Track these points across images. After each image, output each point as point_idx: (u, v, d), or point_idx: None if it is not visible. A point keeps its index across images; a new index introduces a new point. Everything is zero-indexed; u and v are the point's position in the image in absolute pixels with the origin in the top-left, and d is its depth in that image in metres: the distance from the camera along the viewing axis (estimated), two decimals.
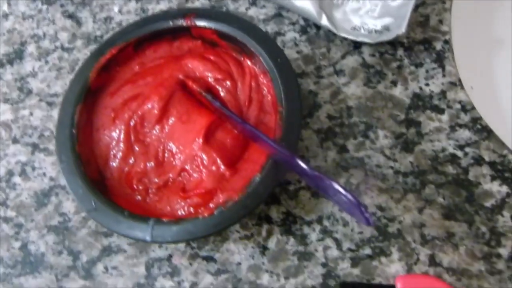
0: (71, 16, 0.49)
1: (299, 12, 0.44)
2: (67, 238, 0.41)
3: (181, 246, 0.40)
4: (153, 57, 0.41)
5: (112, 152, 0.39)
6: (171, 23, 0.40)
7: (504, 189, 0.38)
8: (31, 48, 0.48)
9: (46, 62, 0.48)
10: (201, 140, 0.37)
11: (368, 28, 0.42)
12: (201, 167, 0.37)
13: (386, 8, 0.42)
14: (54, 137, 0.44)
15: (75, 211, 0.42)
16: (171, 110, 0.39)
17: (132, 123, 0.39)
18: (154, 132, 0.39)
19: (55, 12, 0.50)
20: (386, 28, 0.42)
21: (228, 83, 0.39)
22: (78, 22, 0.49)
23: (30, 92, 0.47)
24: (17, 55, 0.48)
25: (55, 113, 0.45)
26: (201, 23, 0.39)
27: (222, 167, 0.36)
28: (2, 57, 0.48)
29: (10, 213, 0.43)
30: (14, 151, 0.45)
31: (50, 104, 0.46)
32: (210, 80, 0.40)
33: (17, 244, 0.42)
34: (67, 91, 0.39)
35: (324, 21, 0.43)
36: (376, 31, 0.42)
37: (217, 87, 0.39)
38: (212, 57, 0.40)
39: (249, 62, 0.40)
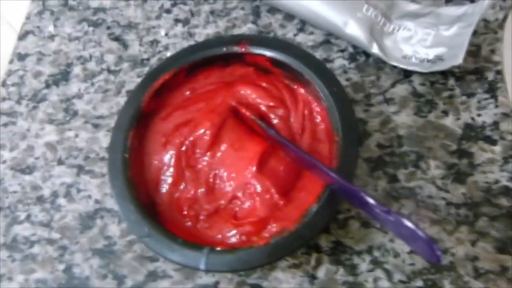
0: (117, 39, 0.50)
1: (349, 39, 0.44)
2: (112, 262, 0.41)
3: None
4: (205, 83, 0.41)
5: (162, 177, 0.39)
6: (224, 49, 0.40)
7: None
8: (77, 69, 0.49)
9: (92, 84, 0.48)
10: (254, 168, 0.37)
11: (420, 57, 0.42)
12: (254, 195, 0.37)
13: (439, 38, 0.42)
14: (99, 159, 0.44)
15: (120, 234, 0.42)
16: (223, 137, 0.39)
17: (183, 149, 0.39)
18: (206, 158, 0.39)
19: (101, 35, 0.50)
20: (439, 58, 0.42)
21: (281, 110, 0.39)
22: (125, 45, 0.49)
23: (75, 113, 0.47)
24: (63, 77, 0.49)
25: (101, 135, 0.46)
26: (255, 50, 0.39)
27: (276, 195, 0.36)
28: (48, 78, 0.49)
29: (55, 235, 0.43)
30: (59, 172, 0.45)
31: (95, 126, 0.46)
32: (263, 107, 0.40)
33: (61, 267, 0.42)
34: (120, 115, 0.39)
35: (374, 49, 0.43)
36: (428, 61, 0.42)
37: (270, 114, 0.39)
38: (264, 84, 0.40)
39: (302, 90, 0.40)
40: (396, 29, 0.44)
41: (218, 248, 0.34)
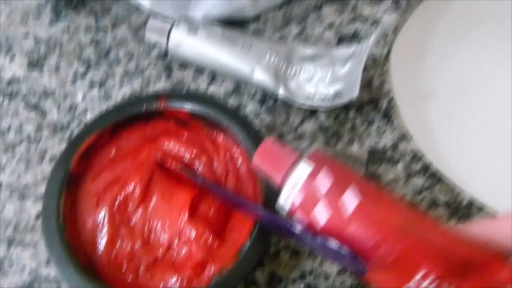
0: (34, 107, 0.51)
1: (257, 85, 0.48)
2: None
3: None
4: (129, 141, 0.43)
5: (98, 237, 0.40)
6: (144, 107, 0.43)
7: None
8: None
9: (13, 154, 0.48)
10: (186, 215, 0.39)
11: (322, 94, 0.47)
12: (189, 240, 0.39)
13: (335, 76, 0.47)
14: (30, 228, 0.45)
15: None
16: (153, 190, 0.41)
17: (115, 206, 0.41)
18: (138, 212, 0.40)
19: (17, 105, 0.51)
20: (338, 93, 0.46)
21: (204, 158, 0.42)
22: (43, 112, 0.50)
23: (0, 186, 0.47)
24: None
25: (28, 204, 0.46)
26: (174, 105, 0.42)
27: (210, 238, 0.39)
28: None
29: None
30: None
31: (22, 196, 0.46)
32: (187, 157, 0.42)
33: None
34: (49, 182, 0.40)
35: (281, 92, 0.47)
36: (329, 97, 0.47)
37: (194, 163, 0.42)
38: (185, 135, 0.43)
39: (221, 137, 0.43)
40: (298, 71, 0.48)
41: None
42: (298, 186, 0.32)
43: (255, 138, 0.41)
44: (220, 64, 0.48)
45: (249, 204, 0.37)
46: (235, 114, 0.42)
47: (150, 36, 0.50)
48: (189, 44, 0.49)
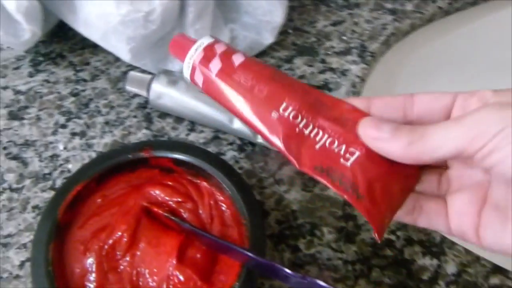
0: (15, 158, 0.51)
1: (236, 134, 0.51)
2: None
3: None
4: (115, 189, 0.44)
5: (87, 283, 0.40)
6: (130, 156, 0.44)
7: (435, 262, 0.45)
8: None
9: None
10: (174, 260, 0.40)
11: None
12: (178, 285, 0.40)
13: None
14: (13, 278, 0.45)
15: None
16: (140, 236, 0.42)
17: (103, 253, 0.41)
18: (126, 259, 0.41)
19: None
20: None
21: (189, 204, 0.44)
22: (24, 162, 0.51)
23: None
24: None
25: (11, 253, 0.46)
26: (159, 153, 0.44)
27: (198, 282, 0.40)
28: None
29: None
30: None
31: (5, 245, 0.46)
32: (172, 203, 0.44)
33: None
34: (37, 231, 0.41)
35: (259, 139, 0.49)
36: None
37: (180, 209, 0.44)
38: (170, 183, 0.45)
39: (205, 183, 0.44)
40: None
41: None
42: (200, 49, 0.40)
43: (238, 184, 0.42)
44: (200, 115, 0.51)
45: (236, 247, 0.38)
46: (218, 161, 0.44)
47: (131, 88, 0.52)
48: (169, 95, 0.51)
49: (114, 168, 0.44)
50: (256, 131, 0.38)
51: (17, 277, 0.45)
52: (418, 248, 0.45)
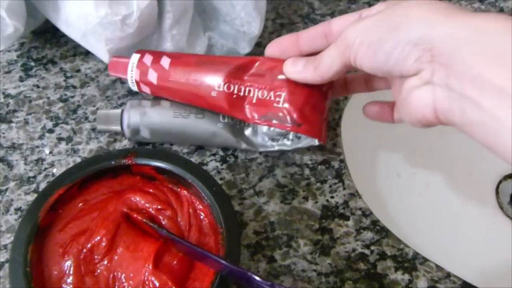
0: (1, 160, 0.52)
1: (220, 145, 0.52)
2: None
3: None
4: (96, 194, 0.45)
5: (63, 286, 0.41)
6: (113, 162, 0.45)
7: (406, 277, 0.46)
8: None
9: None
10: (150, 266, 0.41)
11: (281, 140, 0.51)
12: None
13: None
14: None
15: None
16: (119, 241, 0.43)
17: (81, 257, 0.42)
18: (104, 263, 0.42)
19: None
20: (297, 137, 0.50)
21: (168, 212, 0.45)
22: (9, 165, 0.52)
23: None
24: None
25: None
26: (141, 161, 0.45)
27: None
28: None
29: None
30: None
31: None
32: (152, 210, 0.45)
33: None
34: (17, 232, 0.41)
35: (243, 146, 0.51)
36: (289, 140, 0.51)
37: (159, 216, 0.44)
38: (151, 190, 0.45)
39: (185, 192, 0.45)
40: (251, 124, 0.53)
41: None
42: (134, 67, 0.50)
43: (217, 194, 0.43)
44: (181, 137, 0.52)
45: (211, 255, 0.39)
46: (198, 171, 0.45)
47: (102, 127, 0.53)
48: (145, 128, 0.51)
49: (96, 173, 0.45)
50: (209, 109, 0.49)
51: None
52: (390, 262, 0.47)
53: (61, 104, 0.56)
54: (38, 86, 0.58)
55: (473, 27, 0.32)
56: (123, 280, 0.42)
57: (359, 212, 0.49)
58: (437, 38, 0.33)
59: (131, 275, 0.41)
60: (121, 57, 0.52)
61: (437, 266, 0.46)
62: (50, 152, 0.53)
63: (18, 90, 0.58)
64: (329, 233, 0.48)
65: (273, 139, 0.51)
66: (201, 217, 0.45)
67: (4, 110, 0.56)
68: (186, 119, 0.51)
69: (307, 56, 0.45)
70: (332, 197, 0.50)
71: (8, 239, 0.48)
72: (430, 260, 0.47)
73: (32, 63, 0.60)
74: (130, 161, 0.45)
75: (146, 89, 0.51)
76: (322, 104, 0.48)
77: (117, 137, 0.54)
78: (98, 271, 0.42)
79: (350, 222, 0.49)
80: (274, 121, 0.47)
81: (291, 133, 0.51)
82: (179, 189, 0.46)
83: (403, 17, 0.35)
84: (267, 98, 0.47)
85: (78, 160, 0.52)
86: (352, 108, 0.56)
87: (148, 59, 0.50)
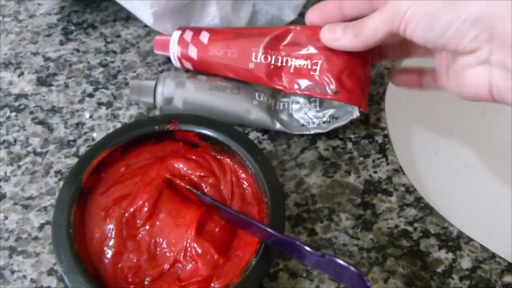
0: (41, 123, 0.52)
1: (255, 125, 0.51)
2: None
3: None
4: (139, 159, 0.45)
5: (105, 248, 0.41)
6: (156, 127, 0.44)
7: (450, 256, 0.45)
8: (1, 153, 0.50)
9: (19, 166, 0.49)
10: (193, 232, 0.41)
11: (316, 122, 0.50)
12: (195, 257, 0.40)
13: (325, 102, 0.51)
14: (32, 239, 0.45)
15: None
16: (161, 207, 0.42)
17: (123, 221, 0.42)
18: (146, 228, 0.42)
19: (24, 119, 0.52)
20: (333, 117, 0.50)
21: (211, 179, 0.44)
22: (50, 128, 0.52)
23: (3, 196, 0.48)
24: None
25: (31, 215, 0.47)
26: (185, 127, 0.44)
27: (216, 255, 0.40)
28: None
29: None
30: None
31: (25, 207, 0.47)
32: (194, 177, 0.44)
33: None
34: (60, 193, 0.41)
35: (277, 126, 0.50)
36: (324, 122, 0.50)
37: (201, 183, 0.44)
38: (194, 157, 0.45)
39: (228, 160, 0.45)
40: (287, 105, 0.52)
41: None
42: (175, 44, 0.52)
43: (261, 163, 0.43)
44: (215, 112, 0.50)
45: (257, 223, 0.39)
46: (243, 139, 0.44)
47: (135, 97, 0.51)
48: (179, 98, 0.50)
49: (139, 138, 0.45)
50: (248, 80, 0.50)
51: (36, 238, 0.46)
52: (434, 240, 0.46)
53: (101, 69, 0.56)
54: (78, 50, 0.58)
55: None
56: (165, 246, 0.41)
57: (403, 188, 0.48)
58: (498, 17, 0.32)
59: (173, 241, 0.41)
60: (163, 35, 0.54)
61: (482, 246, 0.45)
62: (90, 117, 0.53)
63: (58, 53, 0.57)
64: (371, 208, 0.47)
65: (308, 123, 0.51)
66: (244, 186, 0.44)
67: (44, 73, 0.56)
68: (222, 93, 0.50)
69: (346, 22, 0.43)
70: (375, 172, 0.49)
71: (48, 201, 0.48)
72: (475, 240, 0.46)
73: (72, 27, 0.60)
74: (173, 127, 0.44)
75: (188, 65, 0.52)
76: (362, 71, 0.46)
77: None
78: (140, 235, 0.42)
79: (393, 198, 0.48)
80: (312, 90, 0.46)
81: (327, 115, 0.50)
82: (222, 157, 0.45)
83: None
84: (304, 67, 0.46)
85: (118, 125, 0.52)
86: None
87: (188, 35, 0.51)
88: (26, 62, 0.57)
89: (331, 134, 0.51)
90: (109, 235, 0.42)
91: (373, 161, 0.50)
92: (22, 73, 0.56)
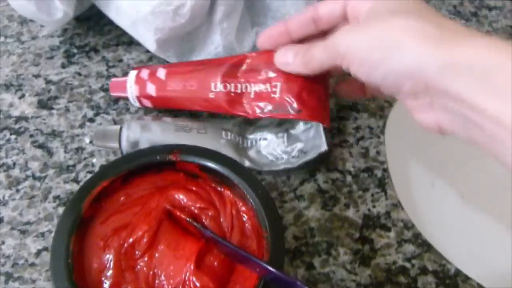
0: (41, 146, 0.52)
1: None
2: None
3: None
4: (139, 189, 0.45)
5: (103, 279, 0.41)
6: (158, 157, 0.44)
7: None
8: (0, 177, 0.50)
9: (17, 190, 0.49)
10: (192, 266, 0.40)
11: (285, 157, 0.50)
12: None
13: (291, 137, 0.51)
14: (29, 265, 0.45)
15: None
16: (160, 238, 0.42)
17: (122, 251, 0.42)
18: (144, 259, 0.42)
19: (24, 142, 0.52)
20: (302, 152, 0.50)
21: (211, 211, 0.44)
22: (49, 152, 0.52)
23: (1, 220, 0.48)
24: None
25: (29, 241, 0.47)
26: (186, 158, 0.44)
27: None
28: None
29: None
30: None
31: (23, 232, 0.47)
32: (194, 209, 0.44)
33: None
34: (59, 223, 0.41)
35: (247, 164, 0.50)
36: (293, 157, 0.50)
37: (201, 215, 0.44)
38: (194, 188, 0.45)
39: (228, 192, 0.45)
40: (254, 142, 0.52)
41: None
42: (133, 83, 0.52)
43: (262, 196, 0.43)
44: None
45: (257, 260, 0.38)
46: (244, 172, 0.44)
47: (100, 143, 0.50)
48: (145, 141, 0.49)
49: (141, 168, 0.45)
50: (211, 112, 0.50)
51: (32, 265, 0.46)
52: (431, 278, 0.46)
53: (102, 94, 0.56)
54: (80, 74, 0.58)
55: (466, 57, 0.31)
56: (163, 278, 0.41)
57: (401, 224, 0.49)
58: (430, 72, 0.33)
59: (172, 273, 0.41)
60: (118, 78, 0.55)
61: (479, 285, 0.45)
62: (90, 142, 0.52)
63: (60, 76, 0.57)
64: (369, 243, 0.47)
65: (277, 159, 0.51)
66: (244, 219, 0.44)
67: (45, 96, 0.56)
68: (188, 133, 0.50)
69: (298, 44, 0.45)
70: (374, 206, 0.49)
71: (45, 227, 0.47)
72: (472, 279, 0.46)
73: (75, 50, 0.60)
74: (175, 158, 0.44)
75: (147, 103, 0.53)
76: (320, 89, 0.48)
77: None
78: (138, 267, 0.42)
79: (392, 234, 0.48)
80: (274, 112, 0.46)
81: (295, 150, 0.50)
82: (222, 189, 0.45)
83: (394, 41, 0.34)
84: (264, 90, 0.47)
85: (118, 153, 0.52)
86: (397, 114, 0.55)
87: (145, 73, 0.52)
88: (28, 84, 0.57)
89: (330, 167, 0.52)
90: (108, 265, 0.41)
91: (372, 195, 0.50)
92: (23, 95, 0.56)
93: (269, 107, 0.47)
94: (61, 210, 0.48)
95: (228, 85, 0.48)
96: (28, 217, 0.48)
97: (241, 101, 0.48)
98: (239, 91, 0.48)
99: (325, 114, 0.47)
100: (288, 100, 0.46)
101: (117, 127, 0.50)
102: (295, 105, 0.46)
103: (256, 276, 0.39)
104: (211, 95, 0.48)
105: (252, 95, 0.47)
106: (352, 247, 0.47)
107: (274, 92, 0.46)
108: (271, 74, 0.47)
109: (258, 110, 0.47)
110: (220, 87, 0.48)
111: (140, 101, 0.53)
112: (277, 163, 0.50)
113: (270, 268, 0.37)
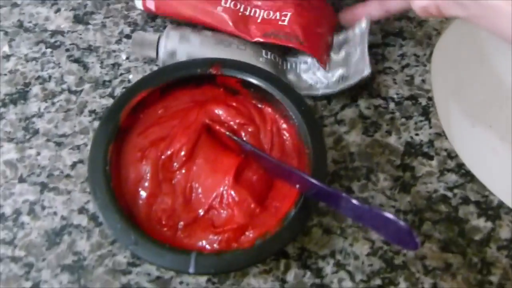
0: (77, 61, 0.51)
1: None
2: (83, 276, 0.41)
3: (202, 281, 0.41)
4: (177, 102, 0.44)
5: (140, 189, 0.40)
6: (199, 70, 0.43)
7: (489, 224, 0.44)
8: (35, 89, 0.49)
9: (53, 103, 0.48)
10: (231, 179, 0.40)
11: (324, 82, 0.49)
12: (231, 204, 0.39)
13: (332, 62, 0.49)
14: (64, 176, 0.45)
15: (90, 249, 0.42)
16: (198, 152, 0.41)
17: (160, 163, 0.41)
18: (182, 172, 0.41)
19: (60, 56, 0.51)
20: (342, 77, 0.48)
21: (251, 128, 0.43)
22: (85, 67, 0.51)
23: (36, 132, 0.47)
24: (21, 96, 0.49)
25: (64, 153, 0.46)
26: (227, 72, 0.43)
27: (252, 204, 0.39)
28: (4, 97, 0.49)
29: (19, 253, 0.42)
30: (21, 190, 0.44)
31: (58, 144, 0.47)
32: (234, 125, 0.43)
33: (28, 284, 0.41)
34: (97, 131, 0.40)
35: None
36: (332, 83, 0.48)
37: (241, 131, 0.43)
38: (234, 104, 0.44)
39: (269, 109, 0.44)
40: (294, 64, 0.50)
41: (205, 252, 0.36)
42: None
43: (306, 114, 0.41)
44: None
45: (303, 173, 0.37)
46: (287, 89, 0.43)
47: (138, 50, 0.49)
48: (183, 52, 0.48)
49: (180, 80, 0.43)
50: (212, 27, 0.48)
51: (67, 176, 0.45)
52: (473, 208, 0.44)
53: (139, 11, 0.54)
54: None
55: None
56: (200, 191, 0.40)
57: (444, 153, 0.47)
58: None
59: (209, 187, 0.40)
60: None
61: None
62: (127, 58, 0.51)
63: None
64: (410, 170, 0.46)
65: (316, 83, 0.49)
66: (285, 137, 0.43)
67: (81, 11, 0.54)
68: (228, 48, 0.48)
69: None
70: (416, 134, 0.48)
71: (81, 140, 0.47)
72: None
73: None
74: (216, 71, 0.43)
75: (150, 4, 0.50)
76: (326, 33, 0.50)
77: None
78: (176, 179, 0.41)
79: (434, 162, 0.46)
80: (277, 37, 0.47)
81: (336, 75, 0.49)
82: (263, 106, 0.44)
83: None
84: (272, 17, 0.48)
85: (155, 68, 0.50)
86: (445, 43, 0.53)
87: None
88: None
89: (373, 93, 0.50)
90: (145, 176, 0.41)
91: (416, 123, 0.48)
92: (58, 10, 0.54)
93: (273, 32, 0.48)
94: (96, 124, 0.47)
95: (238, 4, 0.49)
96: (64, 130, 0.47)
97: (247, 23, 0.48)
98: (247, 13, 0.49)
99: (322, 52, 0.49)
100: (294, 29, 0.47)
101: (156, 35, 0.49)
102: (300, 36, 0.47)
103: (296, 193, 0.39)
104: (219, 9, 0.48)
105: (259, 20, 0.49)
106: (393, 173, 0.46)
107: (283, 20, 0.48)
108: (284, 3, 0.49)
109: (260, 34, 0.48)
110: (230, 3, 0.48)
111: (144, 1, 0.51)
112: (316, 87, 0.49)
113: (314, 181, 0.36)
